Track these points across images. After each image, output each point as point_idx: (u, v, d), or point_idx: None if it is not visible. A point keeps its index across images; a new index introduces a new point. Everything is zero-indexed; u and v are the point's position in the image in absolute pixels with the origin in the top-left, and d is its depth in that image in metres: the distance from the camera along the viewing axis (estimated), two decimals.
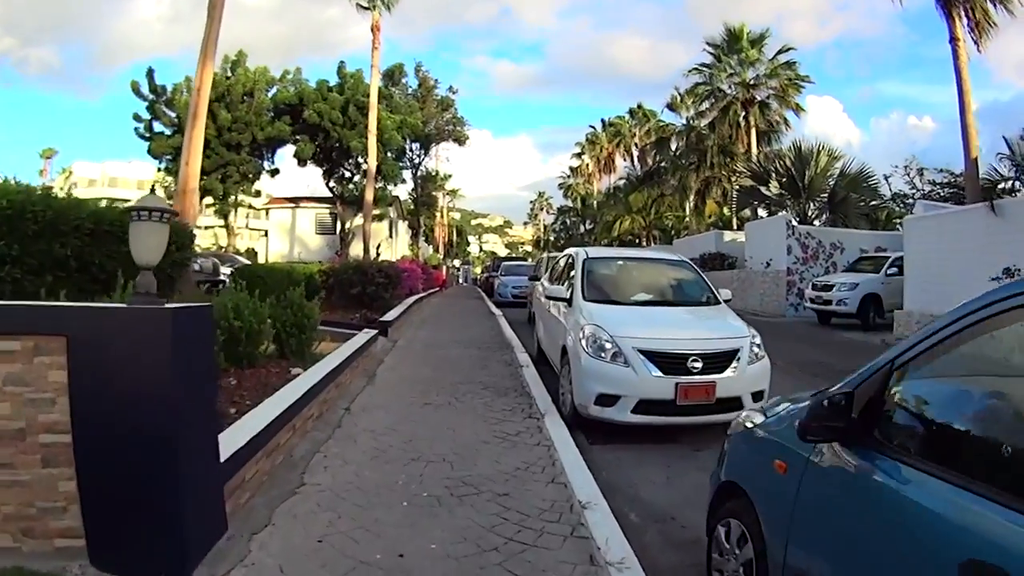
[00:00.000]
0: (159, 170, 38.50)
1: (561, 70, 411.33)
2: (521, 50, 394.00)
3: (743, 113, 35.93)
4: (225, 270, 18.40)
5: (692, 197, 41.66)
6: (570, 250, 10.84)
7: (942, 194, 30.11)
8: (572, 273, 9.37)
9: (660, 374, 7.06)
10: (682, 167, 41.71)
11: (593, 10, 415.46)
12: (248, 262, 25.99)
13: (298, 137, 35.92)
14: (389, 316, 14.60)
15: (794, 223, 25.04)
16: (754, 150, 34.37)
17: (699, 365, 7.12)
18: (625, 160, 61.93)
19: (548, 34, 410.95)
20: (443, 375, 9.69)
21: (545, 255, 18.72)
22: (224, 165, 35.79)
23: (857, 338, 17.09)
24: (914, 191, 32.05)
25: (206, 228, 65.07)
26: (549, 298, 9.11)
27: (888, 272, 19.67)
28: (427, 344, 12.78)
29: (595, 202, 67.04)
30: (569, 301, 8.71)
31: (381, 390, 8.66)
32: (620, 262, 9.89)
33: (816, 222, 27.60)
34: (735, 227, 35.73)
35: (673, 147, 44.65)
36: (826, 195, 27.91)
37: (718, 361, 7.28)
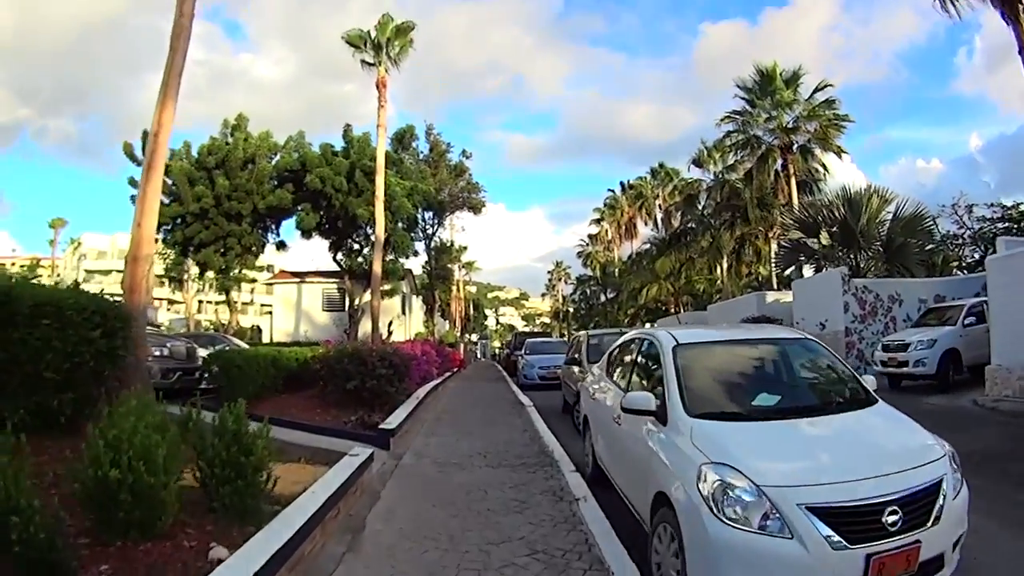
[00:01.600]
0: (156, 240, 35.71)
1: (572, 140, 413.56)
2: (532, 121, 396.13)
3: (781, 161, 33.09)
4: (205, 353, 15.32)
5: (727, 257, 38.54)
6: (641, 333, 7.71)
7: (996, 230, 28.60)
8: (654, 369, 6.40)
9: (843, 543, 4.08)
10: (713, 226, 38.93)
11: (601, 79, 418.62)
12: (244, 344, 23.14)
13: (300, 206, 33.23)
14: (393, 420, 11.43)
15: (849, 277, 22.39)
16: (795, 201, 31.33)
17: (897, 518, 4.20)
18: (647, 224, 59.83)
19: (558, 103, 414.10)
20: (466, 527, 6.41)
21: (584, 334, 15.73)
22: (224, 237, 33.25)
23: (945, 403, 14.66)
24: (963, 230, 30.63)
25: (211, 303, 62.99)
26: (628, 410, 5.86)
27: (966, 323, 17.25)
28: (442, 462, 9.49)
29: (617, 270, 64.32)
30: (660, 416, 5.58)
31: (369, 566, 5.46)
32: (725, 348, 6.72)
33: (869, 274, 24.74)
34: (776, 287, 32.98)
35: (701, 205, 41.91)
36: (879, 243, 25.15)
37: (920, 506, 4.37)
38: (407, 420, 12.25)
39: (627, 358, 7.70)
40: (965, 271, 28.13)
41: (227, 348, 17.82)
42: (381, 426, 10.75)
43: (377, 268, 26.61)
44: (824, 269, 25.70)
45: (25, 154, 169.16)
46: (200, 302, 65.48)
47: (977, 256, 30.62)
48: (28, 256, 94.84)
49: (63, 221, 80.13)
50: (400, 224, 34.64)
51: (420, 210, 38.99)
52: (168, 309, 64.34)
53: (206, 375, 13.38)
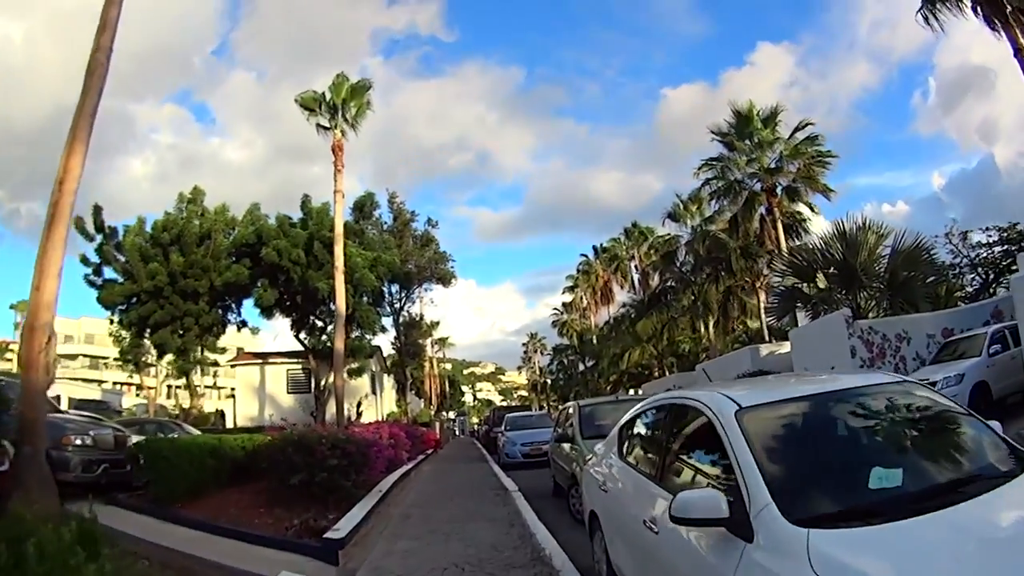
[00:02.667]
0: (111, 321, 34.05)
1: (540, 212, 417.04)
2: (500, 196, 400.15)
3: (766, 205, 31.38)
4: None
5: (715, 312, 36.62)
6: (669, 398, 5.54)
7: (995, 255, 28.54)
8: (705, 449, 4.47)
9: None
10: (695, 282, 37.22)
11: (566, 149, 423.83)
12: (195, 431, 20.89)
13: (259, 282, 31.09)
14: (345, 524, 9.05)
15: (852, 319, 20.56)
16: (783, 246, 29.53)
17: None
18: (623, 287, 58.08)
19: (525, 176, 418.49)
20: None
21: (574, 405, 13.51)
22: (180, 316, 31.33)
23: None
24: (960, 259, 29.78)
25: (180, 388, 60.13)
26: (682, 520, 3.61)
27: (991, 351, 15.83)
28: None
29: (594, 336, 62.38)
30: (739, 526, 3.48)
31: None
32: (806, 408, 4.41)
33: (870, 314, 22.91)
34: (767, 339, 31.22)
35: (680, 261, 40.28)
36: (880, 280, 23.18)
37: None
38: (365, 521, 9.93)
39: (652, 435, 5.63)
40: (967, 301, 26.64)
41: (173, 436, 15.68)
42: (328, 534, 8.43)
43: (339, 345, 24.38)
44: (821, 314, 23.86)
45: None
46: (169, 387, 62.82)
47: (978, 284, 29.80)
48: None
49: (27, 304, 78.18)
50: (364, 298, 32.60)
51: (385, 283, 36.88)
52: (138, 395, 61.56)
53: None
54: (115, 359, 41.20)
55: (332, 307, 29.80)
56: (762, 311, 33.66)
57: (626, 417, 6.49)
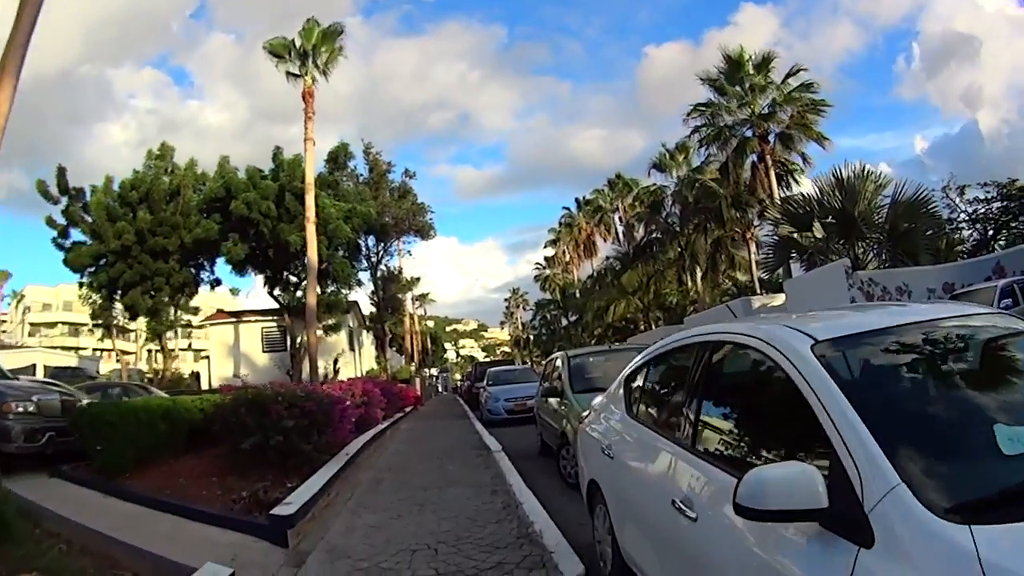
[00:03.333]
0: (80, 285, 32.72)
1: (522, 170, 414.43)
2: (482, 154, 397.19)
3: (758, 153, 30.10)
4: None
5: (703, 263, 35.39)
6: (706, 333, 4.06)
7: (993, 211, 28.52)
8: (767, 405, 3.22)
9: None
10: (682, 233, 36.07)
11: (548, 107, 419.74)
12: (162, 394, 19.63)
13: (229, 237, 29.76)
14: (297, 497, 7.64)
15: (852, 269, 19.69)
16: (776, 195, 28.30)
17: None
18: (607, 240, 56.63)
19: (507, 135, 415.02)
20: None
21: (562, 355, 12.03)
22: (150, 276, 30.25)
23: None
24: (956, 213, 29.85)
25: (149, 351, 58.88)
26: (756, 513, 2.29)
27: (1002, 305, 14.56)
28: (369, 568, 5.96)
29: (577, 291, 61.15)
30: (846, 522, 2.22)
31: None
32: (906, 341, 2.98)
33: (869, 266, 22.27)
34: (758, 291, 30.41)
35: (666, 212, 39.12)
36: (879, 231, 22.26)
37: None
38: (326, 491, 8.69)
39: (676, 386, 4.34)
40: (966, 256, 25.85)
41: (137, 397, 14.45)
42: (276, 510, 7.12)
43: (312, 300, 23.18)
44: (817, 265, 22.73)
45: None
46: (149, 351, 62.36)
47: (976, 239, 29.37)
48: None
49: (7, 274, 77.50)
50: (340, 251, 31.29)
51: (361, 235, 35.51)
52: (117, 360, 60.23)
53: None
54: (93, 325, 39.45)
55: (306, 261, 28.66)
56: (752, 263, 32.75)
57: (634, 364, 5.24)
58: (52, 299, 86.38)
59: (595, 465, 5.26)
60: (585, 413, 6.39)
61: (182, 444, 11.12)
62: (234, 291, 57.57)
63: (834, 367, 2.65)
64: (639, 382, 5.02)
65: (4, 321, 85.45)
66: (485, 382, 25.95)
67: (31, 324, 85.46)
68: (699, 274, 36.49)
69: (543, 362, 30.48)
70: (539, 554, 5.93)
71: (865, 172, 22.28)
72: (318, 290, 30.96)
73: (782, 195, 28.31)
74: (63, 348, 60.74)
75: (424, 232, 43.88)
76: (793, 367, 2.74)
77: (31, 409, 10.19)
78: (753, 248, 32.82)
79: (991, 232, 28.84)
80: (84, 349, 64.39)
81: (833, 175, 22.68)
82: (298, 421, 9.32)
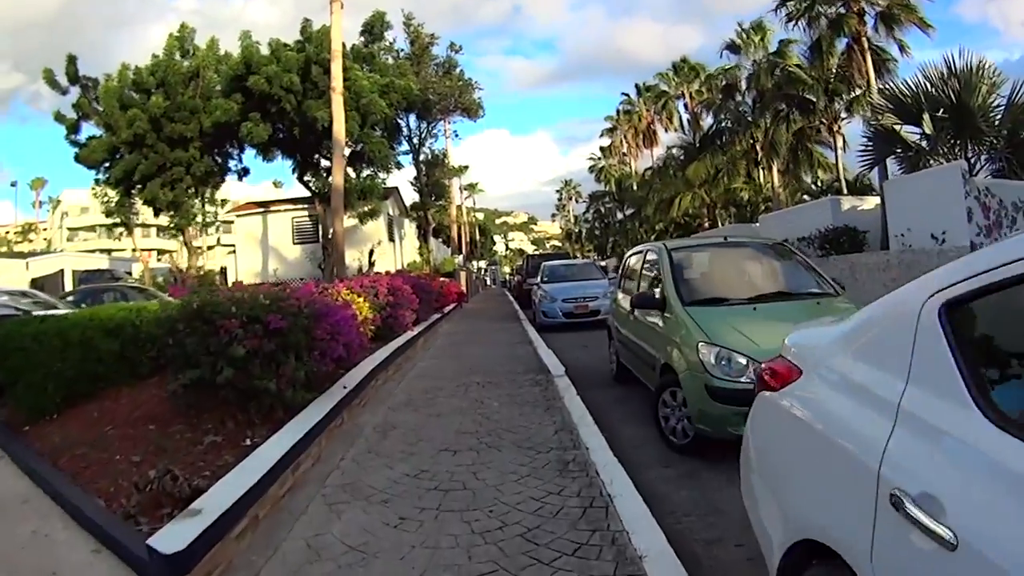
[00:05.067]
0: (96, 182, 30.24)
1: (575, 63, 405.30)
2: (534, 46, 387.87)
3: (851, 37, 25.77)
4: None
5: (783, 156, 31.48)
6: None
7: None
8: None
9: None
10: (755, 123, 32.42)
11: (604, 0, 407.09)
12: (169, 298, 17.04)
13: (249, 116, 26.51)
14: (218, 499, 4.35)
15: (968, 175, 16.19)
16: (873, 83, 24.30)
17: None
18: (668, 130, 52.93)
19: (560, 28, 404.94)
20: None
21: (659, 247, 8.40)
22: (168, 166, 27.31)
23: None
24: None
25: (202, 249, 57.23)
26: None
27: None
28: None
29: (634, 183, 57.44)
30: None
31: None
32: None
33: (979, 174, 18.27)
34: (845, 192, 27.13)
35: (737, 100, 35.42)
36: (996, 134, 17.98)
37: None
38: (286, 465, 5.45)
39: None
40: None
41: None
42: (156, 540, 3.74)
43: (338, 180, 20.00)
44: (920, 167, 19.12)
45: (20, 119, 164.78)
46: (211, 247, 60.90)
47: None
48: (24, 221, 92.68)
49: (43, 181, 77.20)
50: (376, 130, 27.81)
51: (400, 113, 32.07)
52: (159, 260, 58.67)
53: None
54: (111, 225, 37.27)
55: (333, 138, 25.85)
56: (839, 160, 29.17)
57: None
58: (90, 202, 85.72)
59: (841, 514, 2.13)
60: (709, 348, 5.77)
61: (147, 366, 8.21)
62: (277, 183, 55.19)
63: None
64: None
65: (45, 229, 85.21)
66: (539, 278, 22.40)
67: (69, 229, 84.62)
68: (776, 168, 32.54)
69: (601, 257, 27.05)
70: None
71: (981, 65, 18.39)
72: (352, 174, 28.15)
73: (879, 86, 24.24)
74: (102, 250, 59.25)
75: (472, 111, 39.93)
76: None
77: None
78: (840, 142, 29.25)
79: None
80: (123, 250, 62.69)
81: (946, 63, 18.79)
82: (261, 344, 6.17)
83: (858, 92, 26.52)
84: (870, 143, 21.53)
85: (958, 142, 18.40)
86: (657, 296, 7.39)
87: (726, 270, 7.95)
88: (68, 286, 32.59)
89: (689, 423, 6.27)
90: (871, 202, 23.24)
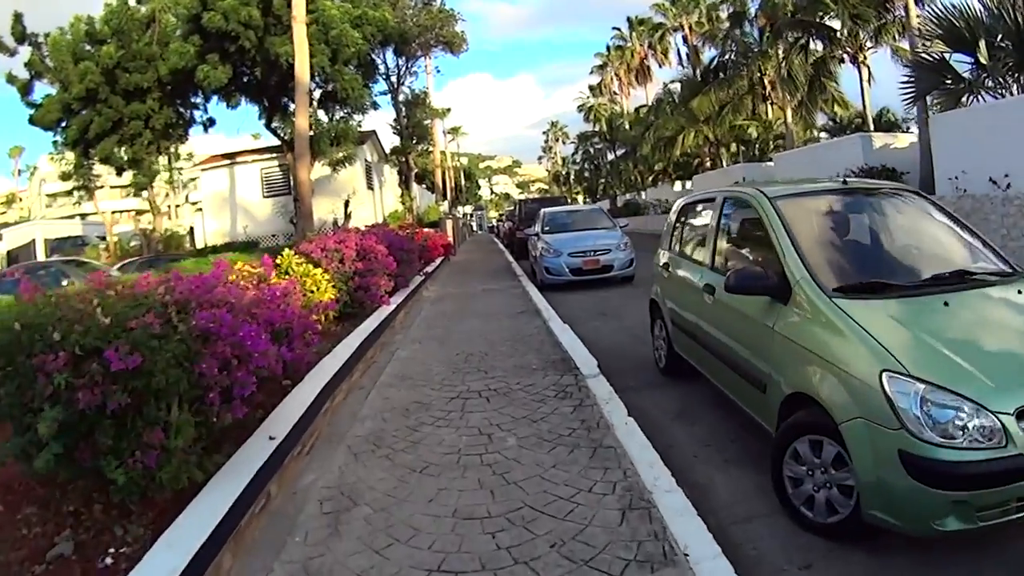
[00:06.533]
0: (54, 145, 27.84)
1: (560, 4, 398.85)
2: None
3: None
4: None
5: (802, 89, 28.67)
6: None
7: None
8: None
9: None
10: (767, 54, 29.69)
11: None
12: (111, 269, 14.74)
13: (206, 58, 23.78)
14: None
15: None
16: (912, 9, 21.41)
17: None
18: (663, 65, 50.68)
19: None
20: None
21: (752, 195, 5.61)
22: (124, 122, 25.39)
23: None
24: None
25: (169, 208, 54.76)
26: None
27: None
28: None
29: (627, 122, 54.80)
30: None
31: None
32: None
33: None
34: (871, 129, 25.28)
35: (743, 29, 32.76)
36: None
37: None
38: None
39: None
40: None
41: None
42: None
43: (302, 122, 17.57)
44: (969, 101, 16.89)
45: None
46: (179, 206, 58.62)
47: None
48: (8, 192, 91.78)
49: (20, 149, 75.77)
50: (349, 67, 24.99)
51: (376, 48, 29.24)
52: (133, 223, 56.68)
53: None
54: (126, 187, 35.01)
55: (295, 75, 23.28)
56: (864, 93, 26.62)
57: None
58: (68, 167, 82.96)
59: None
60: (906, 385, 3.42)
61: None
62: (256, 136, 53.13)
63: None
64: None
65: (21, 199, 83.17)
66: (538, 227, 19.32)
67: (48, 196, 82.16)
68: (789, 102, 29.68)
69: (592, 200, 24.24)
70: None
71: None
72: (324, 117, 25.63)
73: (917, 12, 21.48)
74: (82, 216, 57.05)
75: (454, 46, 36.48)
76: None
77: None
78: (865, 73, 26.52)
79: None
80: (100, 213, 60.45)
81: None
82: (103, 396, 3.53)
83: (889, 17, 24.14)
84: (913, 74, 18.94)
85: (1018, 75, 16.02)
86: (772, 277, 4.65)
87: (870, 234, 5.27)
88: (40, 256, 31.53)
89: (846, 497, 3.79)
90: (904, 139, 21.55)
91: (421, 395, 7.09)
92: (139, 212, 61.15)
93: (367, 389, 7.49)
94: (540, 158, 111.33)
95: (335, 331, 9.36)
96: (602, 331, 10.42)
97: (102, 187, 33.87)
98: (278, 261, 9.35)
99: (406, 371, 8.24)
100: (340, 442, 5.81)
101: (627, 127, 54.46)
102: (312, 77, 22.22)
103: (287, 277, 8.96)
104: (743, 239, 5.78)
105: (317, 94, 25.81)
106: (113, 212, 52.99)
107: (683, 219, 7.42)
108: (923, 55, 18.39)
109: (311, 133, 23.21)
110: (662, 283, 7.57)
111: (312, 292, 9.09)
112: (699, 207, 7.06)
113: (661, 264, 7.64)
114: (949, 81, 17.54)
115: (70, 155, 27.93)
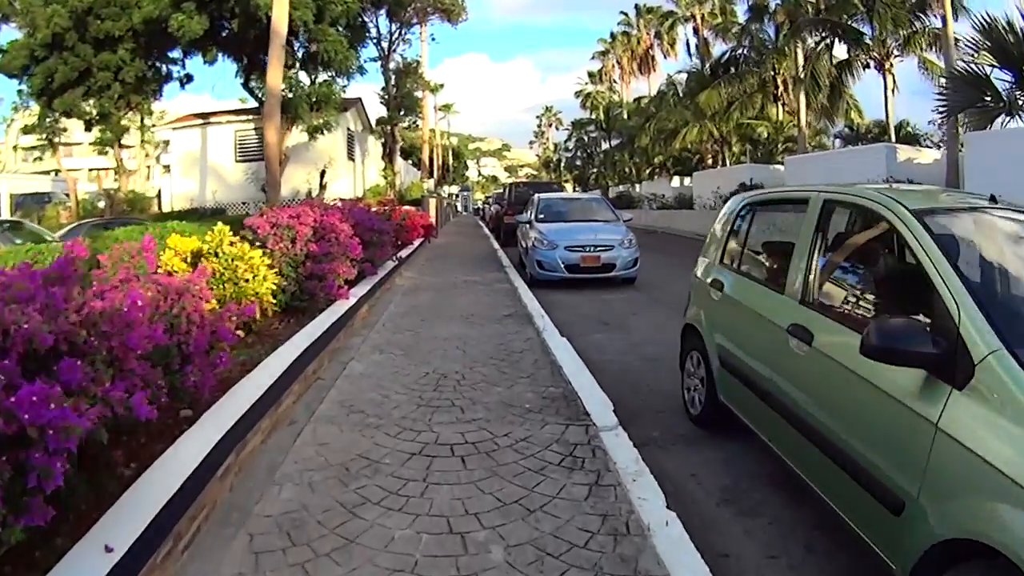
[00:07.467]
0: (19, 94, 27.77)
1: None
2: None
3: None
4: None
5: (823, 91, 27.10)
6: None
7: None
8: None
9: None
10: (783, 52, 28.74)
11: None
12: (50, 235, 13.58)
13: (182, 7, 22.02)
14: None
15: None
16: (950, 18, 19.92)
17: None
18: (669, 56, 50.73)
19: None
20: None
21: (885, 205, 3.63)
22: (92, 72, 23.72)
23: None
24: None
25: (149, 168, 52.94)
26: None
27: None
28: None
29: (625, 111, 53.35)
30: None
31: None
32: None
33: None
34: (892, 140, 24.31)
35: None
36: None
37: None
38: None
39: None
40: None
41: None
42: None
43: (274, 79, 15.80)
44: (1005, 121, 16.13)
45: None
46: (149, 167, 55.92)
47: None
48: None
49: None
50: (338, 28, 23.19)
51: (368, 7, 27.39)
52: (98, 182, 54.80)
53: None
54: (90, 144, 33.32)
55: (297, 43, 21.47)
56: (887, 102, 25.36)
57: None
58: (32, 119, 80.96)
59: None
60: None
61: None
62: (187, 80, 51.77)
63: None
64: None
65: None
66: (531, 214, 17.22)
67: (23, 149, 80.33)
68: (806, 104, 28.08)
69: (583, 189, 22.45)
70: None
71: None
72: (305, 79, 23.84)
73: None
74: (56, 172, 55.45)
75: (452, 14, 34.79)
76: None
77: None
78: (891, 81, 25.24)
79: None
80: (78, 170, 58.02)
81: None
82: None
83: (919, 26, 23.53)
84: (949, 86, 17.53)
85: None
86: (938, 340, 2.63)
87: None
88: (5, 212, 30.04)
89: None
90: (928, 155, 21.20)
91: (370, 444, 5.07)
92: (116, 171, 59.21)
93: (299, 425, 5.52)
94: (531, 143, 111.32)
95: (275, 330, 7.45)
96: (607, 349, 8.56)
97: (79, 144, 32.32)
98: (207, 238, 7.40)
99: (357, 398, 6.24)
100: (240, 526, 3.80)
101: (625, 117, 53.18)
102: (295, 35, 20.55)
103: (214, 260, 7.04)
104: (865, 268, 3.95)
105: (300, 54, 24.10)
106: (91, 170, 50.80)
107: (746, 223, 5.45)
108: (963, 68, 17.04)
109: (288, 95, 21.29)
110: (708, 306, 5.60)
111: (245, 282, 7.14)
112: (776, 209, 5.22)
113: (708, 280, 5.59)
114: (988, 98, 16.11)
115: (35, 107, 26.59)
